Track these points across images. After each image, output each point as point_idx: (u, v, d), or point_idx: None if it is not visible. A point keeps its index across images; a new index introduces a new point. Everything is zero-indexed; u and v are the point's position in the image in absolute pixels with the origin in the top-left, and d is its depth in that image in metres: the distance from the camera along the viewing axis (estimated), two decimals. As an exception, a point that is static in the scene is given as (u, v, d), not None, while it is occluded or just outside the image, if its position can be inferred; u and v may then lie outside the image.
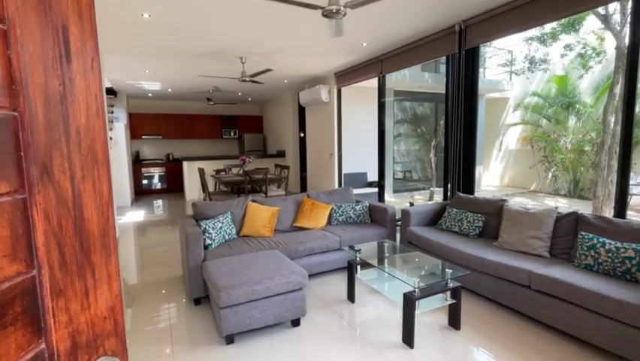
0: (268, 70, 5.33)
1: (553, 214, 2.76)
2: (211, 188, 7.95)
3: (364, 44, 4.63)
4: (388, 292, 2.57)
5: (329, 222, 3.86)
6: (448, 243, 3.06)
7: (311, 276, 3.30)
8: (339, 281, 3.26)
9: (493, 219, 3.26)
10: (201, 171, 5.81)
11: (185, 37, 4.13)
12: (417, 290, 2.13)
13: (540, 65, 8.16)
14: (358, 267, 2.81)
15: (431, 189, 8.55)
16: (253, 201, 3.65)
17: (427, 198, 8.66)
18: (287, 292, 2.39)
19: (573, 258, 2.54)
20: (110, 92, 7.86)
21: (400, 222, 3.81)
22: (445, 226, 3.50)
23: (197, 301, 2.84)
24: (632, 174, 7.95)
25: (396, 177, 9.80)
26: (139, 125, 9.41)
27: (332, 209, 3.88)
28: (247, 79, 5.23)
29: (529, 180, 10.09)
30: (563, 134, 8.89)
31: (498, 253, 2.74)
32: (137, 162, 9.26)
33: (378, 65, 5.31)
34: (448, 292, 2.32)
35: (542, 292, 2.31)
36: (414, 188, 9.75)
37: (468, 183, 3.96)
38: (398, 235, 3.83)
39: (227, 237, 3.22)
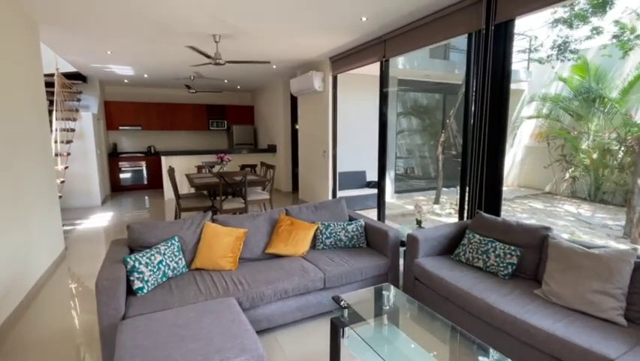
0: (265, 62, 4.59)
1: (630, 259, 1.91)
2: (188, 189, 7.11)
3: (364, 19, 3.71)
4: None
5: (313, 246, 3.01)
6: (471, 289, 2.22)
7: (284, 326, 2.47)
8: (322, 333, 2.43)
9: (531, 253, 2.40)
10: (171, 171, 4.94)
11: (129, 3, 3.23)
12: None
13: (572, 53, 7.17)
14: (346, 330, 1.97)
15: (437, 190, 7.68)
16: (213, 220, 2.79)
17: (432, 201, 7.82)
18: (231, 386, 1.56)
19: (668, 333, 1.70)
20: (78, 76, 6.95)
21: (404, 243, 2.95)
22: (464, 257, 2.65)
23: (116, 373, 2.01)
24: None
25: (398, 172, 8.95)
26: (116, 115, 8.50)
27: (317, 229, 3.03)
28: (221, 62, 4.32)
29: (544, 181, 9.21)
30: (585, 130, 7.99)
31: (547, 315, 1.89)
32: (115, 155, 8.39)
33: (380, 46, 4.39)
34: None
35: (631, 398, 1.47)
36: (418, 189, 8.89)
37: (493, 194, 3.08)
38: (402, 265, 2.97)
39: (170, 273, 2.38)
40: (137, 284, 2.14)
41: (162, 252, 2.37)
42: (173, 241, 2.50)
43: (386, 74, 4.51)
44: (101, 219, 5.78)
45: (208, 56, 4.24)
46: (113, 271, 2.03)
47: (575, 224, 6.12)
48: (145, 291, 2.17)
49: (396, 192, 8.31)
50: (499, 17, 2.87)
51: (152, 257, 2.29)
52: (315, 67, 5.96)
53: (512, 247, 2.44)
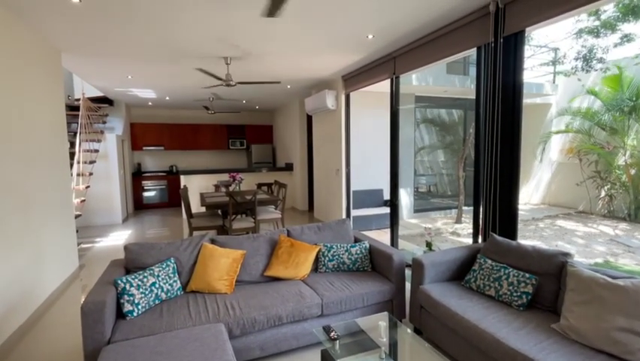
0: (275, 82, 4.69)
1: (661, 293, 1.66)
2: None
3: (370, 37, 3.68)
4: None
5: (315, 269, 2.90)
6: (479, 321, 2.01)
7: (278, 355, 2.35)
8: (319, 364, 2.28)
9: (548, 282, 2.17)
10: (184, 191, 5.02)
11: (137, 29, 3.36)
12: None
13: (598, 63, 6.81)
14: (336, 363, 1.82)
15: (459, 209, 7.36)
16: (212, 241, 2.75)
17: (454, 220, 7.48)
18: (203, 424, 1.45)
19: None
20: (105, 100, 7.34)
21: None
22: (474, 284, 2.44)
23: (101, 400, 1.95)
24: None
25: (420, 190, 8.68)
26: (140, 136, 8.87)
27: (319, 251, 2.91)
28: (232, 83, 4.41)
29: (576, 199, 8.62)
30: (621, 145, 7.46)
31: (564, 354, 1.67)
32: (138, 175, 8.70)
33: (390, 63, 4.33)
34: None
35: None
36: (440, 207, 8.56)
37: (507, 215, 2.86)
38: (409, 291, 2.78)
39: (164, 296, 2.34)
40: (127, 307, 2.11)
41: (156, 274, 2.34)
42: (168, 263, 2.47)
43: (397, 91, 4.42)
44: (119, 237, 5.92)
45: (219, 78, 4.34)
46: (101, 294, 2.00)
47: (612, 246, 5.61)
48: (135, 314, 2.13)
49: (416, 210, 8.03)
50: (507, 29, 2.73)
51: (145, 279, 2.26)
52: (329, 86, 5.97)
53: (527, 275, 2.22)
